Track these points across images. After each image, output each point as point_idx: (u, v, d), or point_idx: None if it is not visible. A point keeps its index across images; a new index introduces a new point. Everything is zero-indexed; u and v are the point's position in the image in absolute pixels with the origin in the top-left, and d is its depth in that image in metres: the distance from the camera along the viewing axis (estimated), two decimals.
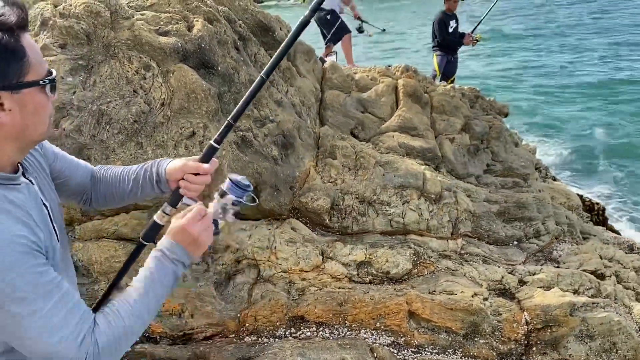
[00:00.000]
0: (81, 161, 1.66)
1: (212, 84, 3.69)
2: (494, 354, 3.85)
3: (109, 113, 3.29)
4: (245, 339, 3.48)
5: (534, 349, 3.92)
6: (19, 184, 1.25)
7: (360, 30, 7.79)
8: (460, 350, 3.76)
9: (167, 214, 1.58)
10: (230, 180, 1.49)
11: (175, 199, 1.56)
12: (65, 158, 1.58)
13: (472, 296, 3.93)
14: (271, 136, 3.99)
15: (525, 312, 4.01)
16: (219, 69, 3.77)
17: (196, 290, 3.40)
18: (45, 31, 3.36)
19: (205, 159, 1.53)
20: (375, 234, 4.09)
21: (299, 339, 3.51)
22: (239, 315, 3.49)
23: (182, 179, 1.52)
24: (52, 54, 3.27)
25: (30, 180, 1.32)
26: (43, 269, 1.15)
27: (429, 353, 3.68)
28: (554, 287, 4.20)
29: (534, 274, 4.43)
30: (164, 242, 1.39)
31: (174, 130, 3.46)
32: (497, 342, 3.89)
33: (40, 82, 1.18)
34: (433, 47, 8.21)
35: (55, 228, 1.36)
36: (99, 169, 1.68)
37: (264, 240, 3.71)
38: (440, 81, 7.35)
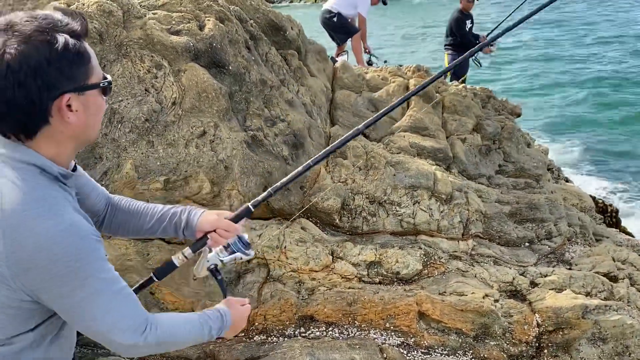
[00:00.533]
0: (99, 186, 1.70)
1: (223, 83, 3.70)
2: (505, 356, 3.82)
3: (121, 112, 3.31)
4: (255, 338, 3.49)
5: (545, 351, 3.88)
6: (71, 187, 1.32)
7: (369, 63, 7.82)
8: (471, 351, 3.74)
9: (186, 257, 1.72)
10: (237, 236, 1.69)
11: (198, 246, 1.70)
12: (85, 176, 1.61)
13: (483, 297, 3.90)
14: (282, 136, 3.99)
15: (536, 314, 3.98)
16: (230, 68, 3.78)
17: (206, 288, 3.42)
18: None
19: (238, 218, 1.71)
20: (386, 234, 4.07)
21: (308, 339, 3.51)
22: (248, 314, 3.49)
23: (213, 231, 1.66)
24: None
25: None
26: (106, 260, 1.28)
27: (439, 354, 3.66)
28: (565, 289, 4.16)
29: (545, 276, 4.39)
30: (225, 310, 1.58)
31: (184, 129, 3.48)
32: (507, 344, 3.86)
33: (101, 85, 1.28)
34: (445, 45, 8.17)
35: None
36: (118, 198, 1.74)
37: (274, 239, 3.71)
38: (451, 81, 7.31)
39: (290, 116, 4.08)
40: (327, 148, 1.92)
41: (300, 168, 1.89)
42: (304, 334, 3.57)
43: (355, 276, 3.81)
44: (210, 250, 1.70)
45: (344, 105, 4.67)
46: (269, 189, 1.78)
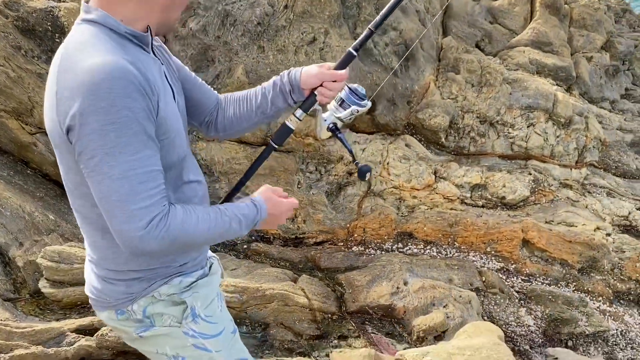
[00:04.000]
0: (205, 84, 1.64)
1: None
2: (610, 291, 3.66)
3: (234, 14, 3.26)
4: (353, 249, 3.55)
5: None
6: (149, 53, 1.28)
7: None
8: (574, 284, 3.61)
9: (299, 118, 1.60)
10: (349, 88, 1.54)
11: (309, 105, 1.57)
12: (190, 73, 1.57)
13: (594, 230, 3.69)
14: (392, 45, 3.78)
15: None
16: None
17: (311, 197, 3.47)
18: None
19: (342, 65, 1.52)
20: (494, 156, 3.88)
21: (406, 254, 3.52)
22: (348, 225, 3.54)
23: (320, 85, 1.51)
24: None
25: (160, 62, 1.33)
26: (148, 119, 1.15)
27: (540, 283, 3.56)
28: None
29: None
30: (260, 201, 1.43)
31: (295, 35, 3.38)
32: (615, 280, 3.68)
33: None
34: None
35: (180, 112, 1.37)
36: (224, 95, 1.66)
37: (377, 154, 3.65)
38: None
39: (402, 24, 3.83)
40: None
41: None
42: (401, 249, 3.59)
43: (458, 198, 3.70)
44: (325, 110, 1.60)
45: (459, 14, 4.32)
46: (369, 26, 1.51)
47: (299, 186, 3.46)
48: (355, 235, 3.60)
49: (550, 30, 4.28)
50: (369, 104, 1.57)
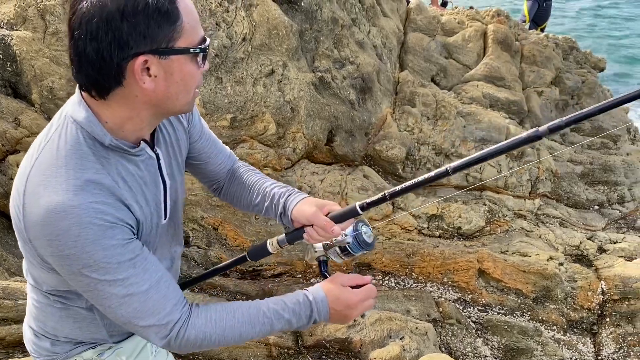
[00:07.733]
0: (226, 149, 1.58)
1: (294, 21, 3.57)
2: (564, 320, 3.72)
3: None
4: (312, 280, 3.52)
5: (608, 319, 3.75)
6: (139, 156, 1.18)
7: (444, 4, 7.23)
8: (529, 313, 3.66)
9: (280, 245, 1.50)
10: (355, 230, 1.38)
11: (294, 238, 1.46)
12: (209, 140, 1.49)
13: (547, 260, 3.78)
14: (350, 79, 3.85)
15: (602, 282, 3.83)
16: (302, 4, 3.63)
17: (268, 228, 3.44)
18: None
19: (341, 218, 1.36)
20: (450, 187, 3.95)
21: None
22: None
23: (310, 225, 1.38)
24: None
25: (157, 155, 1.25)
26: (128, 244, 1.10)
27: (496, 313, 3.60)
28: (637, 258, 3.96)
29: (615, 242, 4.19)
30: (318, 294, 1.28)
31: (253, 67, 3.40)
32: (568, 309, 3.75)
33: (191, 50, 1.07)
34: None
35: (167, 207, 1.30)
36: (239, 166, 1.59)
37: (335, 185, 3.66)
38: (530, 29, 6.83)
39: (360, 58, 3.92)
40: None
41: (427, 176, 1.30)
42: None
43: (415, 228, 3.74)
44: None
45: (415, 49, 4.44)
46: (385, 192, 1.34)
47: (256, 218, 3.44)
48: (314, 266, 3.58)
49: (503, 65, 4.45)
50: (358, 253, 1.42)
